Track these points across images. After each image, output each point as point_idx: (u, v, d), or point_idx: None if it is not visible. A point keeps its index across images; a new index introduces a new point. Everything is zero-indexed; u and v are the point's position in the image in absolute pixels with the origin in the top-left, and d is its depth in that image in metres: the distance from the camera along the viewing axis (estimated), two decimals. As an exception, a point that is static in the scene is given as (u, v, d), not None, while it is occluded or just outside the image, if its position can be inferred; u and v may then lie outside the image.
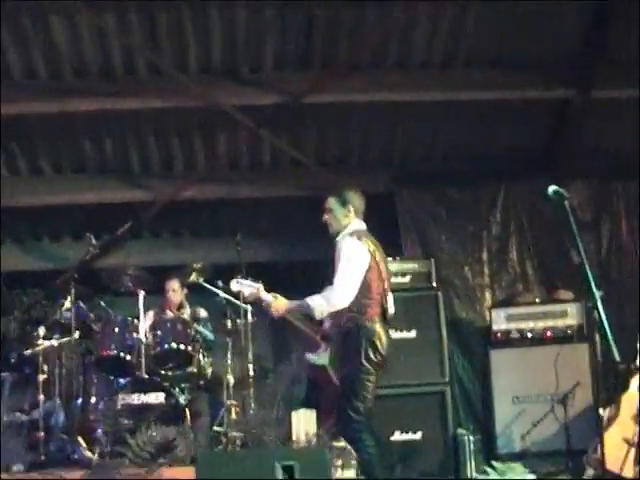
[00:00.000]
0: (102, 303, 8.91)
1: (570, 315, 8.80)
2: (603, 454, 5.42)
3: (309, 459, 4.97)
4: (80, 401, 8.73)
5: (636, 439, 6.91)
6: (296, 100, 8.62)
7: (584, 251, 4.94)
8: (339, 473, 6.55)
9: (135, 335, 8.37)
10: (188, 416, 8.09)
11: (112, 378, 8.51)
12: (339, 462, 6.59)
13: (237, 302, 8.22)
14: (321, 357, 6.72)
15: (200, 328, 8.74)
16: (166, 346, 8.34)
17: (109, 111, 8.87)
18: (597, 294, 4.84)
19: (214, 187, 9.60)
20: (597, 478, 7.17)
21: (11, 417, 8.37)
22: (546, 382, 8.56)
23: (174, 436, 7.35)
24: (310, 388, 7.23)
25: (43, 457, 7.61)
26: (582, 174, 9.51)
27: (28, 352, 9.00)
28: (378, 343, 6.52)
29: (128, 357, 8.30)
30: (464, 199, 9.65)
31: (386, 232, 9.60)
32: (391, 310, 6.88)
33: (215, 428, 8.07)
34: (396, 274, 8.83)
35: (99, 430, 7.84)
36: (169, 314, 9.14)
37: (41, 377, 8.79)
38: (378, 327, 6.56)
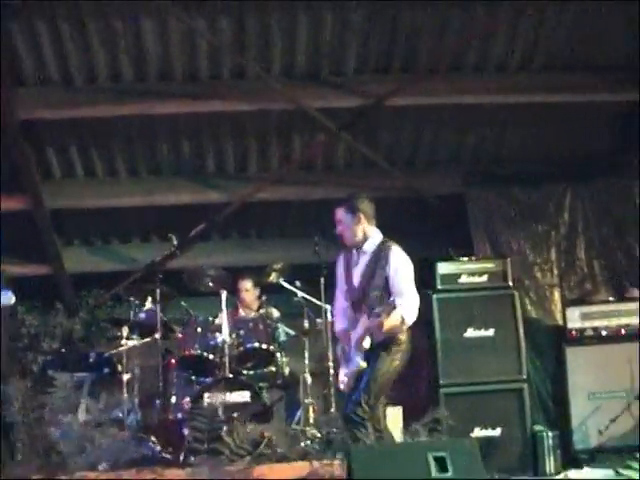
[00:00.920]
0: (183, 303, 9.01)
1: (643, 312, 9.00)
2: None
3: (459, 450, 5.09)
4: (159, 401, 8.91)
5: None
6: (377, 103, 8.76)
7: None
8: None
9: (218, 335, 8.51)
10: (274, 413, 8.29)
11: (193, 378, 8.62)
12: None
13: (317, 302, 8.39)
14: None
15: (284, 327, 8.89)
16: (249, 345, 8.47)
17: (188, 114, 8.99)
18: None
19: (288, 188, 9.72)
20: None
21: (92, 416, 8.44)
22: (621, 379, 8.76)
23: (271, 433, 7.49)
24: None
25: (127, 456, 7.71)
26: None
27: (112, 352, 9.21)
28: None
29: (211, 356, 8.42)
30: (533, 200, 9.81)
31: (457, 232, 9.82)
32: None
33: (293, 426, 8.21)
34: (473, 273, 9.04)
35: (184, 429, 7.95)
36: (243, 314, 9.26)
37: (125, 377, 9.02)
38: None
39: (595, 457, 8.74)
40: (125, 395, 8.79)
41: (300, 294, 8.76)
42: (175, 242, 8.97)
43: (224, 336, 8.39)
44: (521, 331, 8.87)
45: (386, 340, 6.35)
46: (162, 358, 9.34)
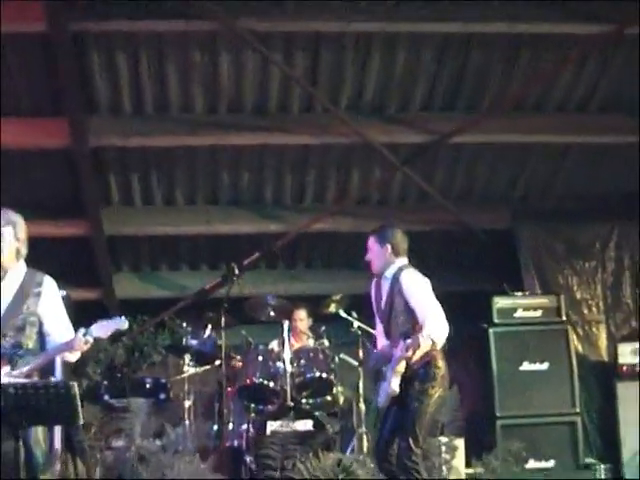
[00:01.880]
0: (244, 332, 9.13)
1: (693, 350, 9.25)
2: None
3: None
4: (215, 427, 9.00)
5: None
6: (441, 140, 8.98)
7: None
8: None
9: (279, 363, 8.63)
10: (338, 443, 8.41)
11: (252, 406, 8.71)
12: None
13: (373, 331, 8.56)
14: None
15: (345, 356, 9.03)
16: (310, 375, 8.58)
17: (252, 145, 9.16)
18: None
19: (343, 220, 9.89)
20: None
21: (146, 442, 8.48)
22: (672, 413, 9.00)
23: (351, 461, 7.61)
24: None
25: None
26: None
27: (175, 379, 9.31)
28: None
29: (272, 384, 8.54)
30: (580, 236, 10.06)
31: (506, 266, 10.03)
32: None
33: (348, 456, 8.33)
34: (528, 308, 9.28)
35: (245, 456, 8.04)
36: (296, 343, 9.37)
37: (187, 403, 9.12)
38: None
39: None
40: (187, 421, 8.94)
41: (357, 324, 8.97)
42: (237, 271, 9.12)
43: (286, 365, 8.52)
44: (574, 365, 9.10)
45: (422, 374, 6.27)
46: (219, 385, 9.50)
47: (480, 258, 10.30)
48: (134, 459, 7.65)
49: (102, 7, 7.64)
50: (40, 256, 9.97)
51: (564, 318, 9.20)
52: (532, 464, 8.85)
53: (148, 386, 9.38)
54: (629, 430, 9.12)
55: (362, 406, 8.90)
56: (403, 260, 6.50)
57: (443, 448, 7.96)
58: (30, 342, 5.97)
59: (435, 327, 6.09)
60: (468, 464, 8.33)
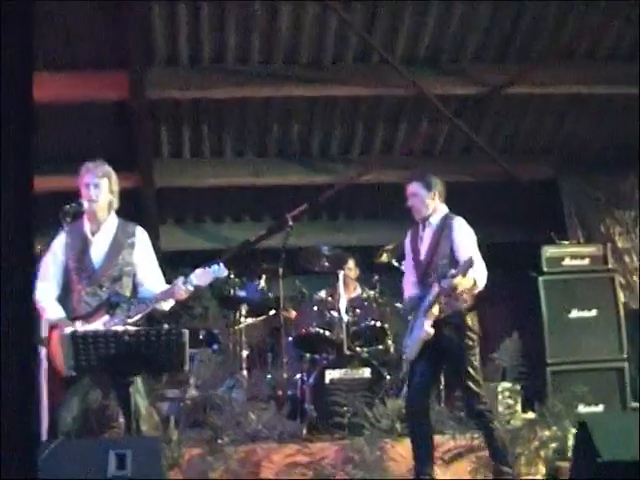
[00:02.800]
0: (297, 282, 9.24)
1: None
2: None
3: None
4: (269, 376, 9.11)
5: None
6: (494, 92, 9.06)
7: None
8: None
9: (334, 313, 8.75)
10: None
11: (307, 355, 8.83)
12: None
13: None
14: None
15: (400, 305, 9.14)
16: (364, 323, 8.73)
17: (304, 97, 9.20)
18: None
19: (390, 172, 9.97)
20: None
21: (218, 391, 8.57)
22: None
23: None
24: None
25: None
26: None
27: (230, 329, 9.40)
28: None
29: (328, 334, 8.67)
30: (621, 186, 10.20)
31: (550, 216, 10.17)
32: None
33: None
34: (575, 256, 9.41)
35: (306, 404, 8.15)
36: (345, 294, 9.46)
37: (244, 353, 9.22)
38: None
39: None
40: (245, 371, 9.04)
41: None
42: (290, 223, 9.20)
43: (342, 314, 8.64)
44: (622, 312, 9.25)
45: (456, 321, 6.35)
46: (271, 335, 9.62)
47: (524, 209, 10.42)
48: (207, 408, 7.76)
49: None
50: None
51: (610, 266, 9.35)
52: (582, 409, 9.03)
53: (201, 337, 9.49)
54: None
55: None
56: (445, 208, 6.57)
57: (506, 393, 8.12)
58: (127, 291, 6.09)
59: (479, 271, 6.17)
60: (524, 410, 8.50)
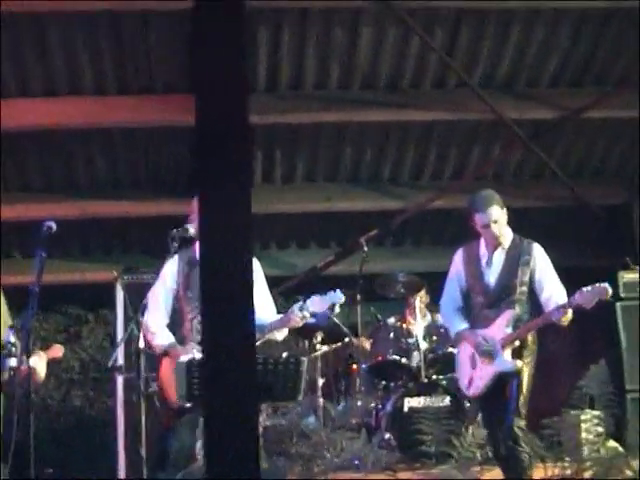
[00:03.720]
0: (372, 309, 9.14)
1: None
2: None
3: None
4: (343, 405, 8.98)
5: None
6: (571, 117, 9.00)
7: None
8: None
9: (410, 340, 8.66)
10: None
11: (378, 382, 8.72)
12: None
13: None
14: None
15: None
16: (441, 351, 8.62)
17: (379, 122, 9.15)
18: None
19: (462, 197, 9.86)
20: None
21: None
22: None
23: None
24: None
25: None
26: None
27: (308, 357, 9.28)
28: None
29: (404, 360, 8.55)
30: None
31: (622, 241, 10.08)
32: None
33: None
34: (650, 280, 9.35)
35: (386, 434, 8.02)
36: (413, 320, 9.36)
37: (321, 381, 9.09)
38: None
39: None
40: (321, 400, 8.91)
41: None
42: (365, 248, 9.13)
43: (419, 341, 8.54)
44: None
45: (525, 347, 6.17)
46: (345, 363, 9.50)
47: (597, 233, 10.31)
48: (294, 436, 7.66)
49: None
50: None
51: (689, 291, 9.25)
52: (662, 436, 8.92)
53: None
54: None
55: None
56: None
57: (595, 421, 7.99)
58: None
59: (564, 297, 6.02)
60: (613, 438, 8.37)
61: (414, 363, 8.50)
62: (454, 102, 8.94)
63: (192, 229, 5.95)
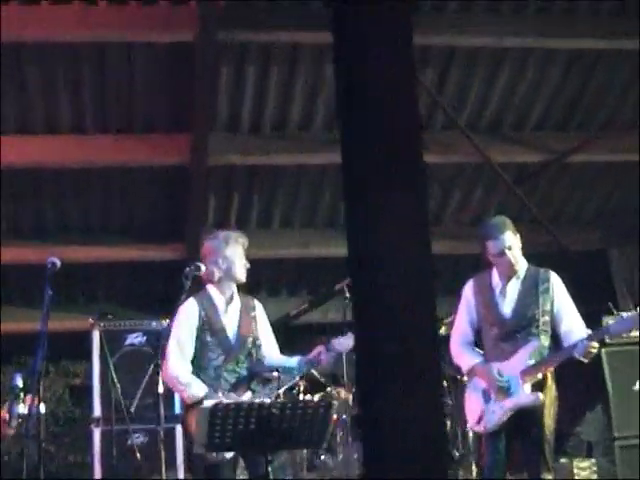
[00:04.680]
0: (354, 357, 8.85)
1: None
2: None
3: None
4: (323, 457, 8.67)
5: None
6: (559, 160, 8.92)
7: None
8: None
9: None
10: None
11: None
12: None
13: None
14: None
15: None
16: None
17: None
18: None
19: (439, 243, 9.69)
20: None
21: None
22: None
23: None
24: None
25: None
26: None
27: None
28: None
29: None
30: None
31: (600, 286, 9.99)
32: None
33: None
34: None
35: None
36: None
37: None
38: None
39: None
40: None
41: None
42: (347, 294, 8.85)
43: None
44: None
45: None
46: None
47: (575, 279, 10.19)
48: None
49: (252, 15, 7.37)
50: (130, 281, 9.71)
51: (673, 336, 9.17)
52: (653, 485, 8.75)
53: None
54: None
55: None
56: None
57: (594, 468, 7.79)
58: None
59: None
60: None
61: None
62: (441, 144, 8.76)
63: (204, 267, 5.66)
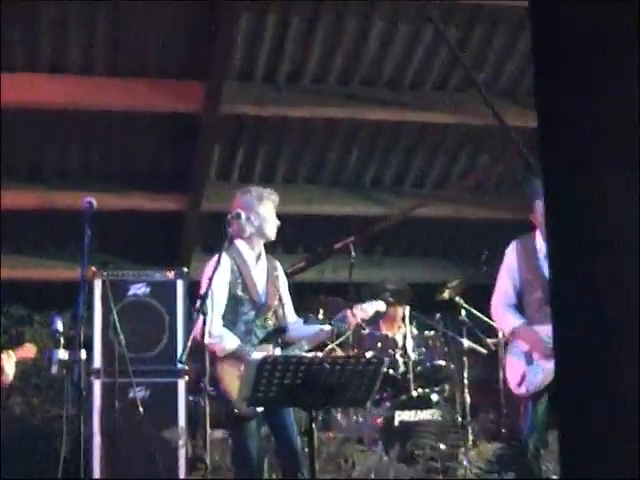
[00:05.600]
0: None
1: None
2: None
3: None
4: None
5: None
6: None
7: None
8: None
9: (397, 351, 8.28)
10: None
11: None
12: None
13: (488, 320, 8.32)
14: None
15: (472, 345, 8.70)
16: (430, 363, 8.30)
17: (370, 121, 8.74)
18: None
19: (445, 207, 9.55)
20: None
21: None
22: None
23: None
24: None
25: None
26: None
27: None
28: None
29: (391, 372, 8.17)
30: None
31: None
32: None
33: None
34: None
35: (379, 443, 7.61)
36: (388, 331, 9.00)
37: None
38: None
39: None
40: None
41: (464, 313, 8.68)
42: (353, 253, 8.67)
43: (409, 353, 8.18)
44: None
45: None
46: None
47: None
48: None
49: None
50: (129, 231, 9.43)
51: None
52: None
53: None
54: None
55: (467, 397, 8.61)
56: None
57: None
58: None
59: None
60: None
61: (399, 374, 8.13)
62: (454, 105, 8.60)
63: (244, 215, 5.49)
